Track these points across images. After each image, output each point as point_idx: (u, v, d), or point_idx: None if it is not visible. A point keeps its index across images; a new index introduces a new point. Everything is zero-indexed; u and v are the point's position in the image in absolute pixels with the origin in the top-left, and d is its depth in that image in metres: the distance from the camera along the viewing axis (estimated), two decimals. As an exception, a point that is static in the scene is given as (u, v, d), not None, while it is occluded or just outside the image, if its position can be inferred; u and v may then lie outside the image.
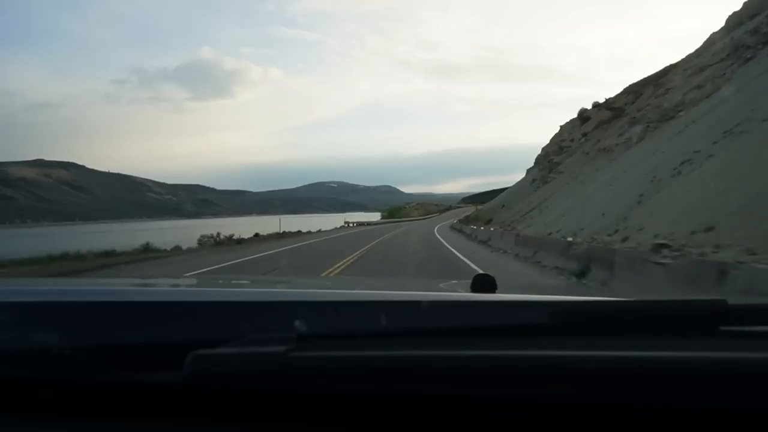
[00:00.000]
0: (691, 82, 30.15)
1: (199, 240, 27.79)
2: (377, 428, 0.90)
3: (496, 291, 1.26)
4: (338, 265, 15.23)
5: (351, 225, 73.62)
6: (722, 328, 0.96)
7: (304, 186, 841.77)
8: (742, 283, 5.73)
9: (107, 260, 18.08)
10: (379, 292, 1.45)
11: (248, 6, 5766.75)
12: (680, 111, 26.52)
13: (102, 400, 0.96)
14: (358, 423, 0.90)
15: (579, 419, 0.85)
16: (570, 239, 13.00)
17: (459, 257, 17.72)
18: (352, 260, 16.74)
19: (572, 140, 61.29)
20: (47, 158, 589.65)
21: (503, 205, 63.73)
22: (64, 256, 19.31)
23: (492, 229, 28.25)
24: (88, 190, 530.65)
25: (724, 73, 26.11)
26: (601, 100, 67.81)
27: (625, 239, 14.17)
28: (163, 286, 1.79)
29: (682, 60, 43.07)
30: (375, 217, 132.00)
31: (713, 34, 38.69)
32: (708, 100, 24.52)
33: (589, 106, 69.40)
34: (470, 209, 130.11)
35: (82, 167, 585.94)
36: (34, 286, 1.51)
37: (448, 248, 22.31)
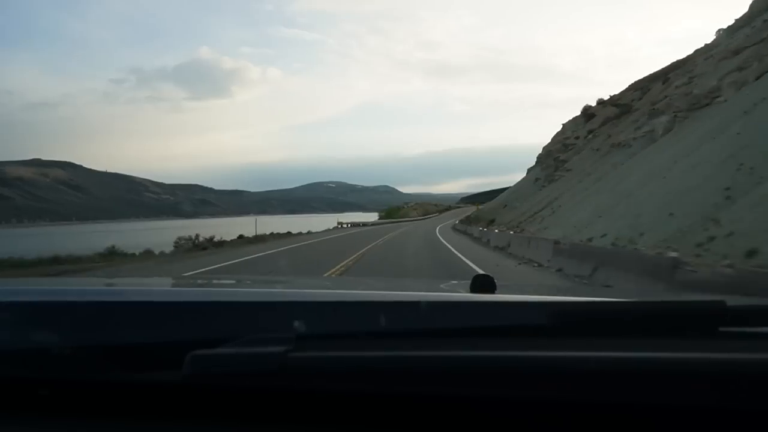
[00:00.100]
0: (726, 66, 28.13)
1: (176, 243, 25.21)
2: (377, 428, 0.91)
3: (496, 291, 1.23)
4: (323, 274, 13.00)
5: (345, 226, 69.63)
6: (721, 329, 0.96)
7: (302, 186, 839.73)
8: None
9: (47, 268, 15.48)
10: (379, 293, 1.46)
11: (247, 5, 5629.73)
12: (717, 96, 24.57)
13: (101, 400, 0.97)
14: (357, 423, 0.91)
15: (578, 420, 0.86)
16: (674, 255, 8.22)
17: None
18: (339, 270, 14.49)
19: (577, 138, 60.32)
20: (44, 158, 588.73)
21: (505, 205, 62.22)
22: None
23: (512, 232, 24.05)
24: (85, 189, 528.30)
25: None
26: (606, 98, 67.44)
27: (727, 250, 9.94)
28: (163, 286, 1.77)
29: (697, 52, 41.56)
30: (372, 217, 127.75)
31: (736, 20, 37.58)
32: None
33: (590, 105, 68.59)
34: (470, 209, 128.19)
35: (80, 167, 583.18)
36: (34, 286, 1.53)
37: (460, 258, 17.81)
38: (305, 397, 0.92)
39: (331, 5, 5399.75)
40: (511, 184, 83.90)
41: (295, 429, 0.91)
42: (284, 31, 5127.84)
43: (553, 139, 77.81)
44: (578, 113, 73.10)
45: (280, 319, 0.99)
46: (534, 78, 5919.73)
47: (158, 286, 1.77)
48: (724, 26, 39.53)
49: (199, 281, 3.02)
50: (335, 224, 70.37)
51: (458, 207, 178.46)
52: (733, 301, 0.99)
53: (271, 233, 37.72)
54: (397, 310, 1.07)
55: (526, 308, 1.12)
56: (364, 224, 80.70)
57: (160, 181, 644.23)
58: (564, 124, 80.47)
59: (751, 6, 34.65)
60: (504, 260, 16.73)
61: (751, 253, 9.69)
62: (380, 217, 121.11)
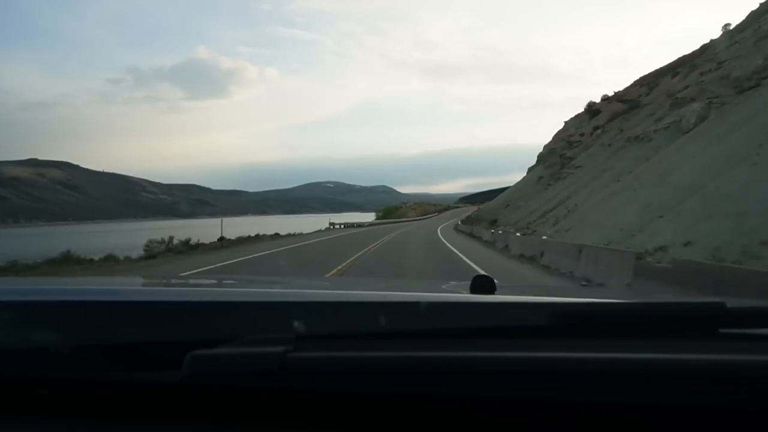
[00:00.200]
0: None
1: (147, 246, 22.66)
2: (376, 428, 0.91)
3: (495, 292, 1.23)
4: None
5: (338, 227, 64.41)
6: (721, 330, 0.96)
7: (300, 186, 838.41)
8: None
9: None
10: (378, 293, 1.47)
11: (245, 5, 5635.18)
12: (765, 77, 22.24)
13: (101, 400, 0.98)
14: (357, 423, 0.91)
15: (578, 420, 0.86)
16: None
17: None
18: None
19: (582, 134, 59.04)
20: (41, 157, 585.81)
21: (507, 205, 60.39)
22: None
23: (545, 237, 19.32)
24: (82, 189, 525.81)
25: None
26: (610, 94, 66.46)
27: None
28: (163, 286, 1.78)
29: (713, 42, 40.00)
30: (370, 217, 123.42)
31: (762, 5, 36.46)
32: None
33: (594, 102, 67.85)
34: (469, 209, 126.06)
35: (77, 167, 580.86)
36: (33, 286, 1.54)
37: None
38: (305, 398, 0.92)
39: (328, 5, 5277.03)
40: (510, 184, 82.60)
41: (295, 429, 0.91)
42: (282, 31, 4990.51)
43: (554, 137, 76.85)
44: (578, 111, 72.58)
45: (280, 319, 1.00)
46: (532, 78, 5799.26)
47: (158, 286, 1.78)
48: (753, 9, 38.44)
49: (199, 281, 2.95)
50: (327, 225, 65.74)
51: (457, 207, 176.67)
52: (732, 302, 0.99)
53: (257, 235, 34.87)
54: (397, 311, 1.08)
55: (525, 309, 1.12)
56: (359, 225, 75.13)
57: (157, 181, 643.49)
58: (566, 122, 79.22)
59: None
60: (547, 278, 12.83)
61: None
62: (377, 218, 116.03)
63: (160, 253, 21.45)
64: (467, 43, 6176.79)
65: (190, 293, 1.40)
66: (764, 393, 0.80)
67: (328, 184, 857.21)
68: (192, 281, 2.88)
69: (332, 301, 1.23)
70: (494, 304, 1.14)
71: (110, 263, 18.93)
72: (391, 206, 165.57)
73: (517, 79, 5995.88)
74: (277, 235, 38.32)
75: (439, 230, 45.72)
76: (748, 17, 38.08)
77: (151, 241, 22.49)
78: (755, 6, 38.22)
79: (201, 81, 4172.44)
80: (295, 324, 0.94)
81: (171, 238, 23.05)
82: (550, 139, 78.04)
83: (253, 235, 34.06)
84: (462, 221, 60.82)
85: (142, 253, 22.06)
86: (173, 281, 2.38)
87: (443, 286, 1.80)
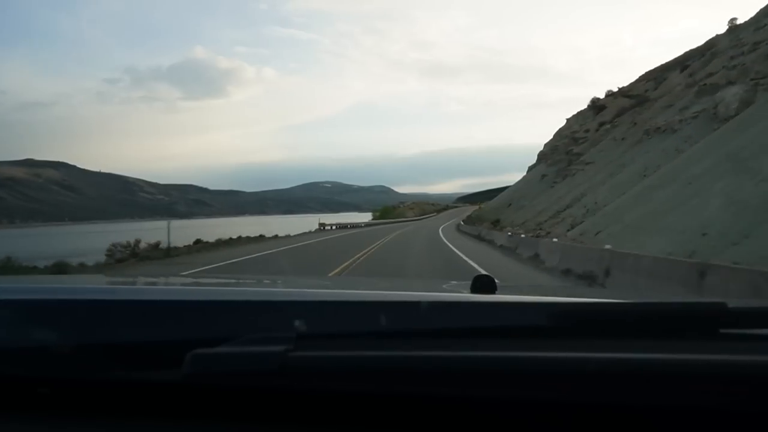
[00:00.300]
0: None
1: (109, 251, 19.90)
2: (377, 428, 0.92)
3: (496, 292, 1.23)
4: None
5: (330, 228, 58.32)
6: (721, 330, 0.96)
7: (298, 186, 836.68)
8: None
9: None
10: (379, 293, 1.47)
11: (242, 5, 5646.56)
12: None
13: (101, 399, 0.98)
14: (357, 423, 0.92)
15: (578, 420, 0.86)
16: None
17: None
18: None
19: (587, 131, 57.45)
20: (37, 158, 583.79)
21: (510, 204, 58.33)
22: None
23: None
24: (78, 190, 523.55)
25: None
26: (614, 89, 65.42)
27: None
28: (163, 285, 1.78)
29: (732, 29, 38.05)
30: (366, 217, 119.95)
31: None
32: None
33: (585, 105, 68.13)
34: (468, 209, 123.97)
35: (73, 167, 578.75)
36: (34, 284, 1.54)
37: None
38: (306, 397, 0.92)
39: (326, 5, 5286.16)
40: (508, 184, 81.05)
41: (295, 429, 0.91)
42: (280, 31, 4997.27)
43: (556, 134, 75.62)
44: (580, 109, 71.44)
45: (281, 318, 1.00)
46: (529, 78, 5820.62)
47: (159, 285, 1.78)
48: None
49: (200, 280, 2.99)
50: (324, 225, 60.03)
51: (455, 207, 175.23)
52: (733, 302, 0.98)
53: (238, 237, 32.07)
54: (398, 310, 1.08)
55: (526, 309, 1.12)
56: (353, 226, 68.45)
57: (154, 181, 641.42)
58: (569, 119, 77.87)
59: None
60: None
61: None
62: (374, 218, 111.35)
63: (124, 258, 18.87)
64: (464, 43, 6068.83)
65: (191, 292, 1.41)
66: (765, 393, 0.80)
67: (326, 184, 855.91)
68: (193, 280, 2.89)
69: (333, 300, 1.22)
70: (495, 303, 1.14)
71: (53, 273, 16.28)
72: (389, 206, 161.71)
73: (514, 79, 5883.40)
74: (261, 237, 35.26)
75: (441, 232, 41.90)
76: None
77: (114, 245, 19.77)
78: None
79: (198, 81, 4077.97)
80: (296, 323, 0.95)
81: (137, 242, 20.29)
82: (551, 137, 77.22)
83: (234, 237, 31.31)
84: (464, 221, 58.11)
85: (103, 258, 19.46)
86: (174, 280, 2.37)
87: (444, 286, 1.79)
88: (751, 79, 24.59)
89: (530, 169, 74.43)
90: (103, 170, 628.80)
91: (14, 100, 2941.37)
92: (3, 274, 14.01)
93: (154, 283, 1.88)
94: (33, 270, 16.47)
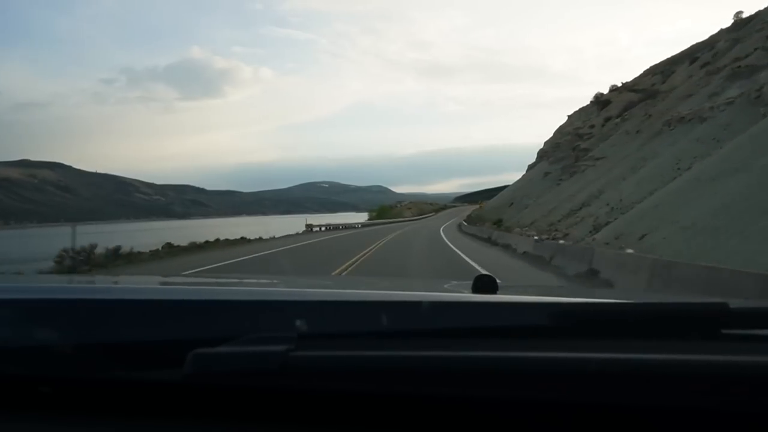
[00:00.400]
0: None
1: (59, 258, 17.24)
2: (377, 428, 0.92)
3: (497, 292, 1.24)
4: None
5: (319, 229, 52.36)
6: (723, 331, 0.96)
7: (295, 186, 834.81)
8: None
9: None
10: (380, 292, 1.48)
11: (238, 5, 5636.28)
12: None
13: (102, 398, 0.98)
14: (358, 423, 0.92)
15: (579, 421, 0.87)
16: None
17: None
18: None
19: (592, 126, 55.79)
20: (33, 158, 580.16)
21: (511, 203, 56.01)
22: None
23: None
24: (74, 190, 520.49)
25: None
26: (619, 84, 64.44)
27: None
28: (164, 285, 1.77)
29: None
30: (363, 217, 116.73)
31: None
32: None
33: (583, 103, 68.47)
34: (466, 208, 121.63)
35: (69, 167, 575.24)
36: (36, 284, 1.54)
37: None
38: (306, 397, 0.92)
39: (323, 5, 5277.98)
40: (506, 184, 79.29)
41: (295, 429, 0.91)
42: (276, 31, 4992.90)
43: (556, 132, 74.18)
44: (575, 109, 72.02)
45: (282, 318, 1.01)
46: (526, 78, 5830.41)
47: (160, 285, 1.76)
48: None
49: (202, 280, 2.90)
50: (317, 226, 54.19)
51: (454, 206, 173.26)
52: (735, 302, 0.98)
53: (216, 240, 29.45)
54: (399, 310, 1.08)
55: (527, 309, 1.12)
56: (346, 226, 61.50)
57: (150, 181, 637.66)
58: (570, 116, 76.31)
59: None
60: None
61: None
62: (370, 218, 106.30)
63: (75, 266, 16.32)
64: (462, 43, 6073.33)
65: (193, 292, 1.40)
66: (766, 394, 0.79)
67: (324, 185, 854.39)
68: (194, 280, 2.85)
69: (334, 300, 1.22)
70: (496, 303, 1.14)
71: None
72: (385, 205, 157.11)
73: (511, 79, 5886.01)
74: (242, 239, 32.37)
75: (444, 234, 37.39)
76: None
77: (65, 251, 17.16)
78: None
79: (195, 81, 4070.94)
80: (297, 323, 0.95)
81: (93, 247, 17.70)
82: (550, 135, 75.67)
83: (211, 240, 28.69)
84: (465, 221, 55.35)
85: (52, 265, 16.97)
86: (176, 280, 2.33)
87: (445, 286, 1.78)
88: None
89: (530, 167, 72.81)
90: (99, 171, 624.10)
91: (10, 101, 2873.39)
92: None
93: (155, 283, 1.86)
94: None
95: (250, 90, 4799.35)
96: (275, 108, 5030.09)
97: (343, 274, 14.42)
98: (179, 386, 0.90)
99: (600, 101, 62.26)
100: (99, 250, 17.55)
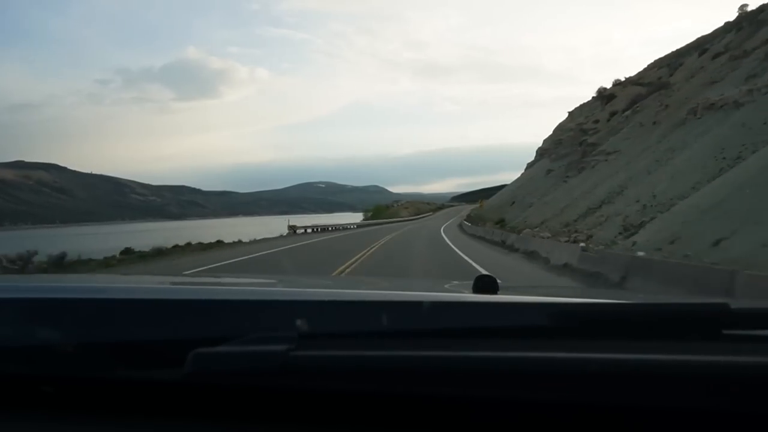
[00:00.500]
0: None
1: (11, 259, 14.73)
2: (378, 428, 0.92)
3: (498, 292, 1.24)
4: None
5: (304, 231, 47.98)
6: (724, 331, 0.95)
7: (292, 186, 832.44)
8: None
9: None
10: (381, 292, 1.48)
11: (234, 5, 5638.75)
12: None
13: (103, 398, 0.99)
14: (358, 423, 0.92)
15: (580, 421, 0.87)
16: None
17: None
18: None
19: (596, 121, 54.01)
20: (27, 159, 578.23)
21: (513, 202, 53.75)
22: None
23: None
24: (69, 191, 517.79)
25: None
26: (622, 78, 63.48)
27: None
28: (166, 284, 1.77)
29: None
30: (358, 217, 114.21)
31: None
32: None
33: (578, 103, 68.61)
34: (464, 208, 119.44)
35: (64, 168, 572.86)
36: (37, 283, 1.54)
37: None
38: (307, 397, 0.92)
39: (318, 5, 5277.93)
40: (504, 183, 77.58)
41: (296, 428, 0.91)
42: (272, 31, 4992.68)
43: (556, 129, 72.65)
44: (574, 107, 71.60)
45: (283, 317, 1.01)
46: (522, 78, 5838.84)
47: (162, 284, 1.76)
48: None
49: (203, 279, 2.96)
50: (300, 227, 48.76)
51: (451, 206, 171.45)
52: (736, 303, 0.98)
53: (187, 243, 26.51)
54: (400, 310, 1.08)
55: (528, 309, 1.11)
56: (337, 228, 56.16)
57: (146, 182, 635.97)
58: (571, 112, 74.60)
59: None
60: None
61: None
62: (365, 218, 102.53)
63: (59, 262, 13.99)
64: (457, 43, 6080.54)
65: (194, 291, 1.41)
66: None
67: (320, 185, 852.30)
68: (195, 279, 2.84)
69: (335, 300, 1.21)
70: (497, 304, 1.14)
71: None
72: (381, 205, 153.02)
73: (507, 78, 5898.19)
74: (218, 243, 29.68)
75: (446, 237, 32.79)
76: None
77: (4, 257, 14.71)
78: None
79: (191, 81, 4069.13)
80: (298, 323, 0.96)
81: (32, 254, 15.31)
82: (550, 132, 74.20)
83: (181, 244, 25.87)
84: (468, 222, 52.48)
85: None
86: (177, 279, 2.33)
87: (446, 286, 1.78)
88: None
89: (530, 165, 71.30)
90: (95, 172, 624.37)
91: (4, 102, 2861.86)
92: None
93: (156, 282, 1.86)
94: None
95: (246, 90, 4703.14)
96: (271, 108, 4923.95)
97: None
98: (180, 386, 0.91)
99: (604, 96, 60.95)
100: (41, 258, 15.14)
